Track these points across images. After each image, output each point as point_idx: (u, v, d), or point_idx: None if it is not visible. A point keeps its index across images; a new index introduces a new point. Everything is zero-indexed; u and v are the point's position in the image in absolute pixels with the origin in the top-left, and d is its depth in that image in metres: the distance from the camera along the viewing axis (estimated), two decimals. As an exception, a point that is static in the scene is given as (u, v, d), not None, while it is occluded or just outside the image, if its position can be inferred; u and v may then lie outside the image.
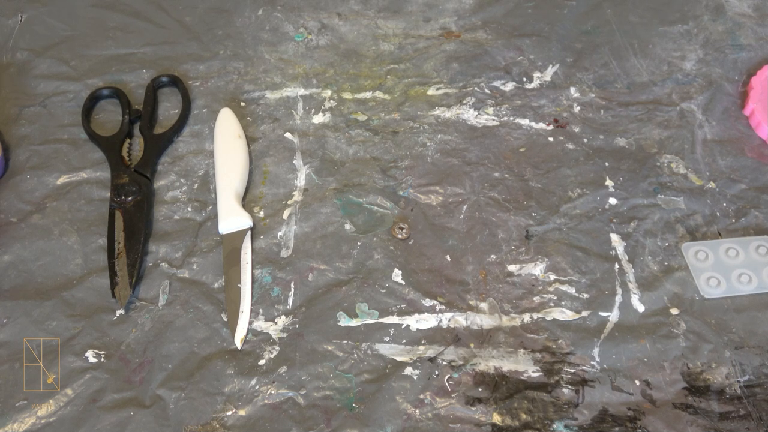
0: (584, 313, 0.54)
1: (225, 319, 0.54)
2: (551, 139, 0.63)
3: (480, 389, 0.51)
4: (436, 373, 0.51)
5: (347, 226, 0.58)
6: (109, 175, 0.60)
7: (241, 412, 0.50)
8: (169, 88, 0.66)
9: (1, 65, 0.68)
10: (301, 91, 0.66)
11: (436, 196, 0.60)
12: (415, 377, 0.51)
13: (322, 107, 0.65)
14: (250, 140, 0.63)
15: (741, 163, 0.62)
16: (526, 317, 0.54)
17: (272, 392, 0.51)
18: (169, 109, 0.65)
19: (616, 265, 0.56)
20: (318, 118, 0.65)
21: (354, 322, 0.54)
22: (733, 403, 0.50)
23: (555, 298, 0.55)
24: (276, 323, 0.54)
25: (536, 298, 0.55)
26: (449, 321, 0.54)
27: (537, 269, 0.56)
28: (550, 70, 0.68)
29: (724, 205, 0.59)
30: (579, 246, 0.57)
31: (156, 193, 0.60)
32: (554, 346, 0.52)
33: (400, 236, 0.57)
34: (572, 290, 0.55)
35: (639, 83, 0.67)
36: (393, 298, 0.55)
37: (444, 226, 0.58)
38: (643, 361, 0.52)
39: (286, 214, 0.59)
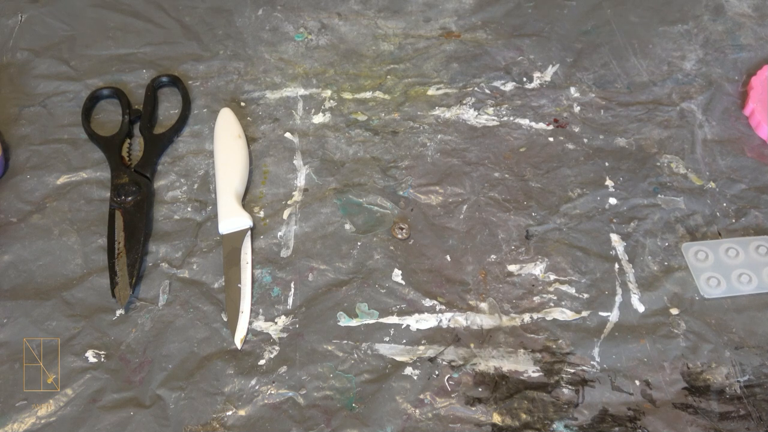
0: (584, 313, 0.54)
1: (225, 319, 0.54)
2: (551, 139, 0.63)
3: (480, 389, 0.51)
4: (436, 373, 0.51)
5: (347, 226, 0.58)
6: (109, 175, 0.60)
7: (241, 412, 0.50)
8: (169, 88, 0.66)
9: (1, 65, 0.68)
10: (301, 91, 0.66)
11: (436, 196, 0.60)
12: (415, 377, 0.51)
13: (322, 107, 0.65)
14: (250, 140, 0.63)
15: (741, 163, 0.62)
16: (526, 317, 0.54)
17: (272, 392, 0.51)
18: (169, 109, 0.65)
19: (616, 265, 0.56)
20: (318, 118, 0.65)
21: (354, 322, 0.54)
22: (733, 403, 0.50)
23: (555, 298, 0.55)
24: (276, 323, 0.54)
25: (536, 298, 0.55)
26: (449, 321, 0.54)
27: (537, 269, 0.56)
28: (550, 70, 0.68)
29: (724, 205, 0.59)
30: (579, 246, 0.57)
31: (156, 193, 0.60)
32: (554, 346, 0.52)
33: (400, 236, 0.57)
34: (572, 290, 0.55)
35: (639, 83, 0.67)
36: (393, 298, 0.55)
37: (444, 226, 0.58)
38: (643, 361, 0.52)
39: (286, 214, 0.59)
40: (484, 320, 0.54)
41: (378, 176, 0.61)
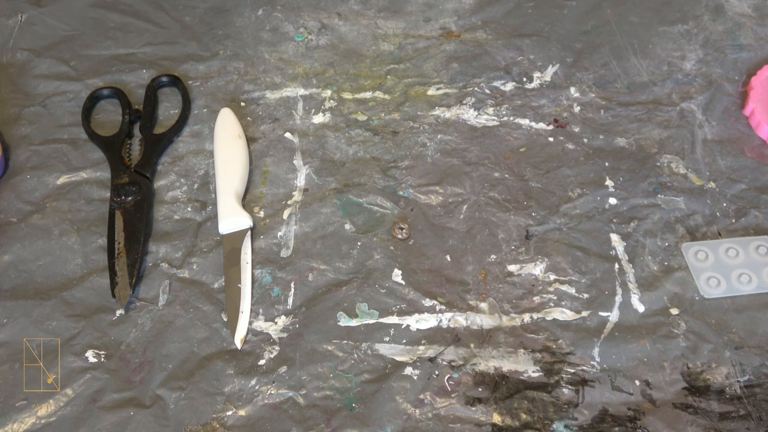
0: (584, 313, 0.54)
1: (225, 319, 0.54)
2: (551, 139, 0.63)
3: (480, 389, 0.51)
4: (436, 373, 0.51)
5: (347, 226, 0.58)
6: (109, 175, 0.60)
7: (241, 412, 0.50)
8: (169, 88, 0.66)
9: (1, 65, 0.68)
10: (301, 91, 0.66)
11: (436, 196, 0.60)
12: (415, 377, 0.51)
13: (322, 107, 0.65)
14: (250, 140, 0.63)
15: (741, 163, 0.62)
16: (526, 317, 0.54)
17: (272, 392, 0.51)
18: (169, 109, 0.65)
19: (616, 265, 0.56)
20: (318, 118, 0.65)
21: (354, 322, 0.54)
22: (733, 403, 0.50)
23: (555, 298, 0.55)
24: (276, 323, 0.54)
25: (536, 298, 0.55)
26: (449, 321, 0.54)
27: (537, 269, 0.56)
28: (550, 70, 0.68)
29: (724, 205, 0.59)
30: (579, 246, 0.57)
31: (156, 193, 0.60)
32: (554, 346, 0.52)
33: (400, 236, 0.57)
34: (572, 290, 0.55)
35: (639, 83, 0.67)
36: (393, 298, 0.55)
37: (444, 226, 0.58)
38: (643, 361, 0.52)
39: (286, 214, 0.59)
40: (484, 320, 0.54)
41: (378, 176, 0.61)
